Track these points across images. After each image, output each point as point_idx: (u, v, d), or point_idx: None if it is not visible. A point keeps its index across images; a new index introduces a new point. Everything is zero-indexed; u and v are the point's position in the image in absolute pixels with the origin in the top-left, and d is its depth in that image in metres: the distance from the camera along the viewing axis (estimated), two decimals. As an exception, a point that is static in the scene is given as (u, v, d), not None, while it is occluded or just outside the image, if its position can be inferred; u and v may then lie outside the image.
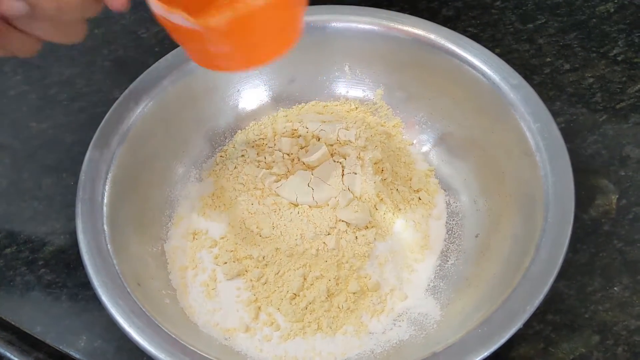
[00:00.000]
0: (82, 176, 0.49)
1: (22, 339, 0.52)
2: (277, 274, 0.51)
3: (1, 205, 0.59)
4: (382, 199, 0.54)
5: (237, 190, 0.55)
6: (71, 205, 0.58)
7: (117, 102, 0.54)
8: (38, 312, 0.53)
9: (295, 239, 0.52)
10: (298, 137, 0.58)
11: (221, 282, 0.52)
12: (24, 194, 0.60)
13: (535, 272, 0.44)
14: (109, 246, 0.46)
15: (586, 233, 0.55)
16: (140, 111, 0.54)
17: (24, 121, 0.65)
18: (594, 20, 0.71)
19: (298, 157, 0.56)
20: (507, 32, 0.70)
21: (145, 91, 0.55)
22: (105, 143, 0.51)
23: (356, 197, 0.53)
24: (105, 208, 0.48)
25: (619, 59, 0.67)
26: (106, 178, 0.50)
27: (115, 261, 0.46)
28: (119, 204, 0.50)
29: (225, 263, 0.52)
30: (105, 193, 0.49)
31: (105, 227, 0.47)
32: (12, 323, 0.52)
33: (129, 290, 0.44)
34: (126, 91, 0.54)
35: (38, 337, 0.51)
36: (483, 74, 0.55)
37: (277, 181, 0.55)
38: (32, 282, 0.54)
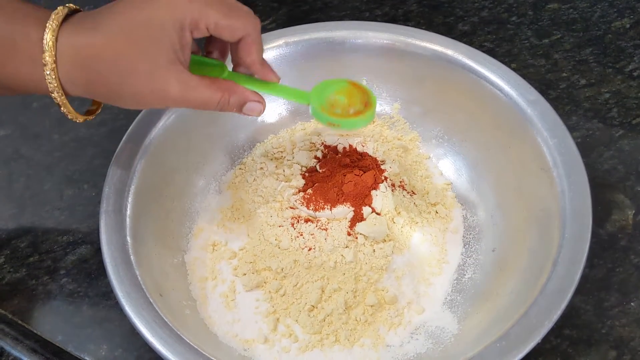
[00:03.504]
0: (106, 188, 0.50)
1: (44, 348, 0.52)
2: (296, 285, 0.52)
3: (24, 215, 0.60)
4: (399, 213, 0.54)
5: (256, 202, 0.56)
6: (92, 216, 0.59)
7: (140, 116, 0.55)
8: (60, 321, 0.54)
9: (314, 252, 0.52)
10: (316, 151, 0.58)
11: (240, 293, 0.53)
12: (46, 204, 0.61)
13: (552, 288, 0.44)
14: (132, 257, 0.47)
15: (603, 248, 0.55)
16: (162, 125, 0.55)
17: (46, 133, 0.66)
18: (610, 35, 0.72)
19: (316, 171, 0.57)
20: (523, 47, 0.71)
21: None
22: (128, 156, 0.52)
23: (374, 210, 0.54)
24: (128, 220, 0.49)
25: (635, 74, 0.68)
26: (129, 190, 0.51)
27: (138, 272, 0.46)
28: (141, 216, 0.51)
29: (245, 274, 0.53)
30: (129, 205, 0.50)
31: (129, 238, 0.48)
32: (35, 331, 0.53)
33: (151, 301, 0.45)
34: (148, 105, 0.55)
35: (60, 346, 0.52)
36: (500, 89, 0.55)
37: (295, 194, 0.55)
38: (54, 291, 0.55)
